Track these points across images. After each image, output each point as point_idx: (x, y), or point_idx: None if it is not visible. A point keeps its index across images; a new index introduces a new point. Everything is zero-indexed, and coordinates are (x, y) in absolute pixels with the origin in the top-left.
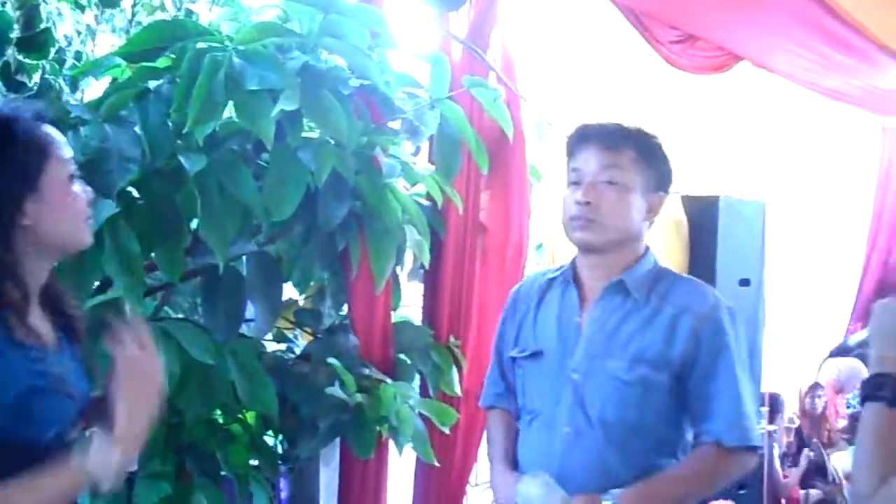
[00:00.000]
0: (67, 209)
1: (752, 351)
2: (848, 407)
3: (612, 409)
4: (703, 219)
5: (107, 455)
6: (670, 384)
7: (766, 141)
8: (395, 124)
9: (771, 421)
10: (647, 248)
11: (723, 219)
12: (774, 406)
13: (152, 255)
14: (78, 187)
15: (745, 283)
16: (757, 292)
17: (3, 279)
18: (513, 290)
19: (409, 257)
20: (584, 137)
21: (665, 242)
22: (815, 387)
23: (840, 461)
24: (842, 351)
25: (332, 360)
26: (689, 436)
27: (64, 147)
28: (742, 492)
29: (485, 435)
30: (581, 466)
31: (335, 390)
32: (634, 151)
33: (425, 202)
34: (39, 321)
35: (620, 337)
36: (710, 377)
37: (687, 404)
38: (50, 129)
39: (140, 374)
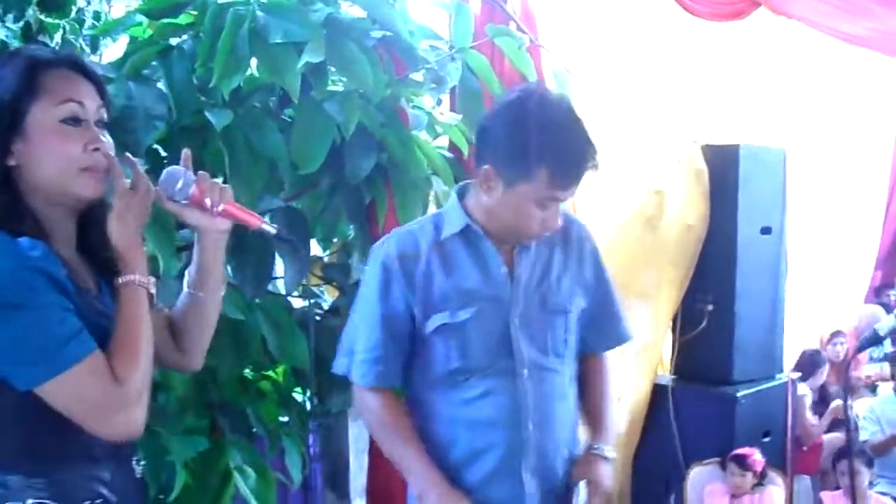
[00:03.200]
0: (51, 152)
1: (774, 299)
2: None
3: (558, 341)
4: (723, 167)
5: None
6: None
7: (785, 88)
8: (418, 75)
9: (810, 375)
10: None
11: (743, 167)
12: (814, 362)
13: None
14: (78, 133)
15: (766, 231)
16: (778, 240)
17: (20, 221)
18: (390, 255)
19: (432, 211)
20: (575, 176)
21: (686, 192)
22: (837, 334)
23: (862, 408)
24: (872, 341)
25: None
26: None
27: (68, 90)
28: (766, 440)
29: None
30: (545, 402)
31: None
32: None
33: (449, 154)
34: (79, 268)
35: (552, 275)
36: (607, 294)
37: (591, 322)
38: (61, 72)
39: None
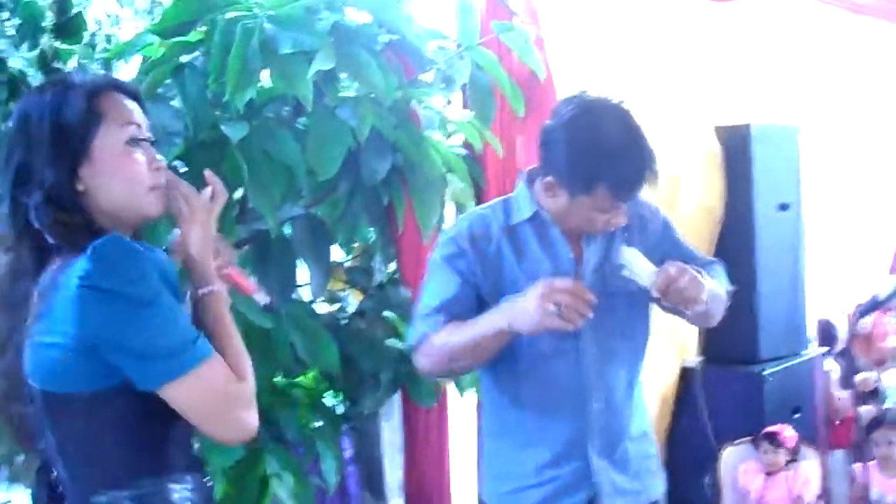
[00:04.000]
0: (120, 175)
1: (795, 276)
2: None
3: (625, 324)
4: (737, 148)
5: None
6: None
7: (796, 66)
8: (427, 76)
9: (827, 346)
10: None
11: (757, 146)
12: (828, 332)
13: None
14: (141, 154)
15: (783, 207)
16: (796, 216)
17: (91, 239)
18: (461, 234)
19: (451, 210)
20: (634, 182)
21: (701, 174)
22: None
23: (891, 379)
24: (872, 306)
25: (387, 314)
26: None
27: (126, 112)
28: (796, 416)
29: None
30: (612, 384)
31: (394, 342)
32: None
33: (463, 152)
34: None
35: (614, 259)
36: (680, 251)
37: None
38: (114, 95)
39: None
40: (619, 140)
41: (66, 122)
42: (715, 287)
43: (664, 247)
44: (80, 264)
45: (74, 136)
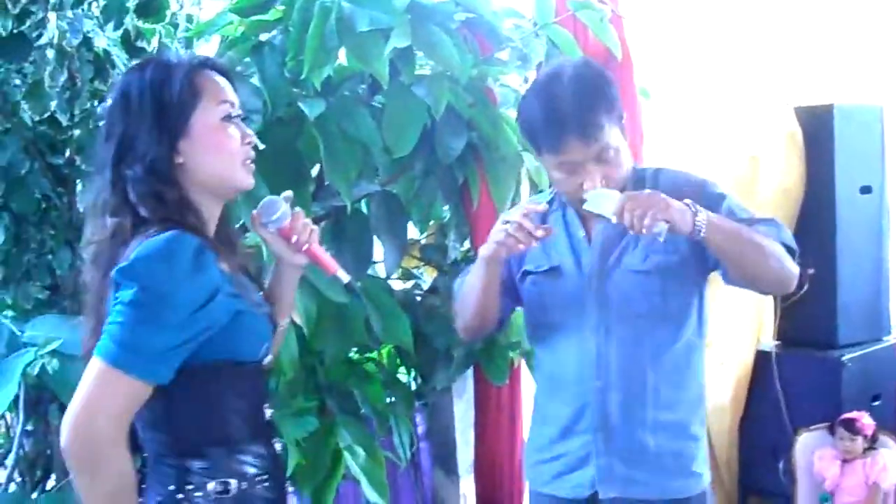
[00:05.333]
0: (217, 150)
1: (877, 260)
2: None
3: (637, 303)
4: (818, 128)
5: None
6: (685, 263)
7: (879, 43)
8: (503, 54)
9: None
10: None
11: (839, 127)
12: None
13: None
14: (234, 130)
15: (866, 190)
16: (879, 199)
17: (183, 212)
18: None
19: (526, 188)
20: (559, 132)
21: (781, 156)
22: None
23: None
24: None
25: None
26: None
27: (221, 91)
28: (876, 403)
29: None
30: (618, 362)
31: None
32: (607, 115)
33: None
34: (225, 254)
35: (629, 239)
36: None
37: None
38: (209, 74)
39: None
40: (549, 93)
41: (168, 99)
42: (742, 231)
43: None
44: (135, 252)
45: (175, 111)
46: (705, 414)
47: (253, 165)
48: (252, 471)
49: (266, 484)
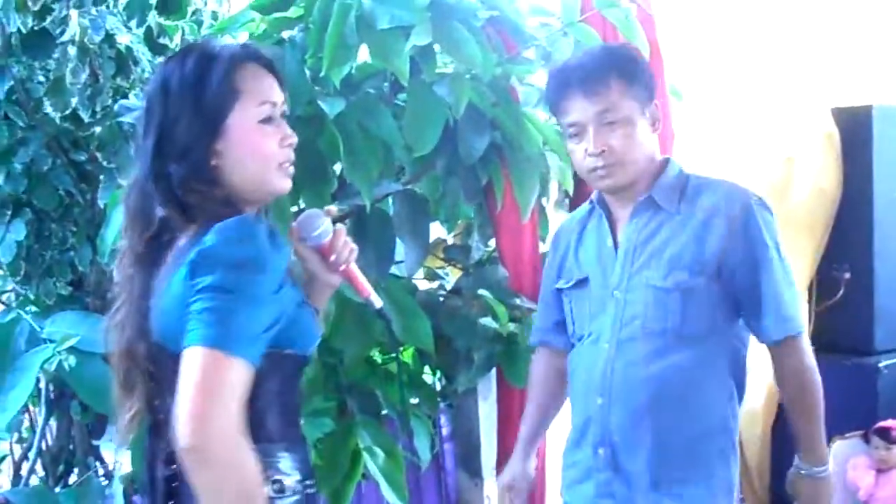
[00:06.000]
0: (252, 153)
1: None
2: None
3: (653, 320)
4: (856, 130)
5: None
6: (710, 288)
7: None
8: (529, 53)
9: None
10: (669, 159)
11: (878, 129)
12: None
13: (300, 201)
14: (274, 131)
15: None
16: None
17: (229, 211)
18: (556, 230)
19: (553, 187)
20: (566, 89)
21: (817, 156)
22: None
23: None
24: None
25: (483, 293)
26: (738, 343)
27: (262, 89)
28: None
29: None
30: (622, 381)
31: (488, 321)
32: (619, 80)
33: None
34: None
35: (654, 248)
36: (754, 279)
37: (741, 307)
38: (252, 69)
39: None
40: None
41: (205, 97)
42: (813, 417)
43: (733, 260)
44: (209, 236)
45: (212, 111)
46: (728, 445)
47: (291, 169)
48: (308, 468)
49: (311, 490)
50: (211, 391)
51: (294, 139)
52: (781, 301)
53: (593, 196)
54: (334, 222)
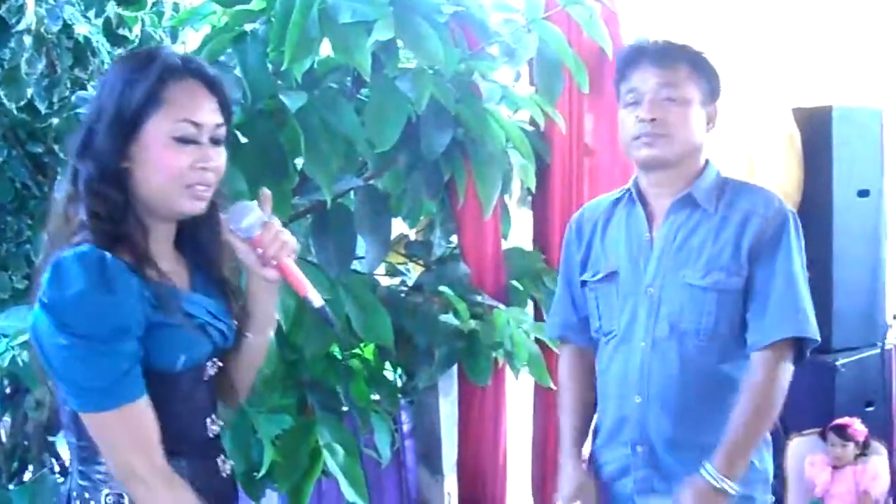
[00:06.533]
0: (157, 168)
1: (874, 264)
2: None
3: (688, 319)
4: (816, 130)
5: None
6: (741, 289)
7: (878, 46)
8: (492, 50)
9: None
10: (708, 161)
11: (837, 129)
12: None
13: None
14: (186, 153)
15: (863, 194)
16: (877, 203)
17: (122, 219)
18: (574, 217)
19: (516, 185)
20: (637, 58)
21: (778, 157)
22: None
23: None
24: None
25: (444, 289)
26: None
27: (188, 108)
28: (869, 409)
29: (559, 374)
30: (659, 379)
31: (449, 318)
32: (688, 66)
33: (529, 128)
34: (170, 264)
35: (692, 247)
36: (768, 276)
37: (747, 305)
38: (187, 85)
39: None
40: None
41: (129, 99)
42: (755, 437)
43: (755, 259)
44: (46, 275)
45: (130, 114)
46: (762, 441)
47: (206, 193)
48: None
49: None
50: (122, 446)
51: (213, 165)
52: (794, 302)
53: (629, 185)
54: (293, 219)
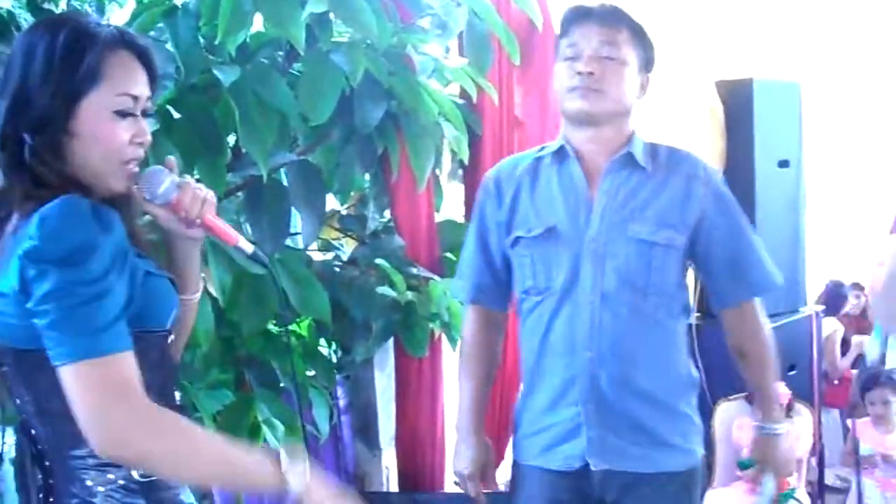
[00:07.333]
0: (95, 140)
1: (795, 233)
2: None
3: (636, 272)
4: (738, 103)
5: (300, 469)
6: (685, 246)
7: (797, 20)
8: (424, 23)
9: (835, 310)
10: (634, 130)
11: (758, 101)
12: (837, 293)
13: (195, 172)
14: (125, 127)
15: (784, 164)
16: (797, 173)
17: (61, 189)
18: (489, 175)
19: (446, 158)
20: (582, 16)
21: (701, 128)
22: (856, 286)
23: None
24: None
25: (379, 262)
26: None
27: (127, 81)
28: (791, 373)
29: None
30: (611, 334)
31: (385, 290)
32: (630, 31)
33: (460, 101)
34: None
35: (637, 204)
36: (734, 241)
37: (713, 270)
38: (123, 56)
39: None
40: None
41: (69, 73)
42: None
43: (712, 221)
44: (31, 227)
45: (71, 88)
46: (696, 394)
47: (136, 170)
48: None
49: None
50: (104, 400)
51: (148, 139)
52: (764, 261)
53: (558, 143)
54: (226, 195)
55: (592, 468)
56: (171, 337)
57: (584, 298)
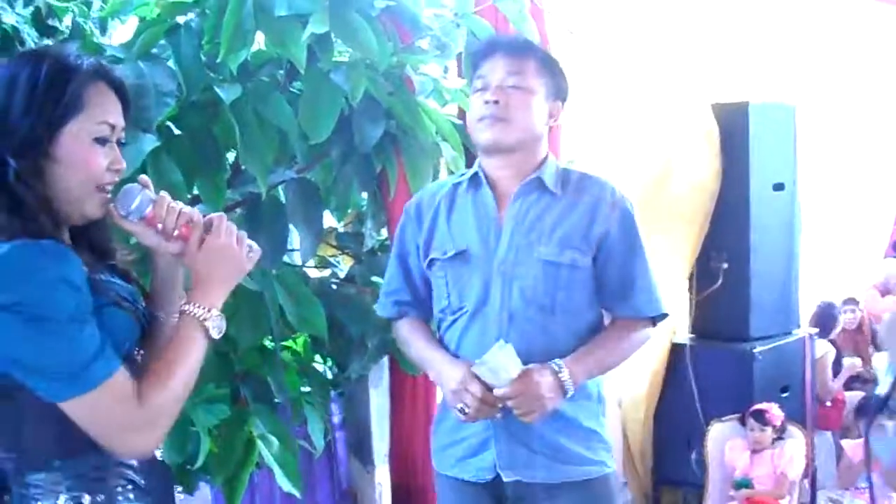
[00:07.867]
0: (75, 166)
1: (789, 255)
2: None
3: (542, 293)
4: (733, 125)
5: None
6: (590, 267)
7: (793, 44)
8: (423, 43)
9: (826, 331)
10: (549, 154)
11: (753, 124)
12: (828, 315)
13: (195, 188)
14: (104, 154)
15: (779, 187)
16: (791, 196)
17: (39, 212)
18: (412, 202)
19: (443, 178)
20: (490, 50)
21: (697, 151)
22: (850, 301)
23: (881, 362)
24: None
25: (376, 280)
26: (600, 323)
27: (105, 110)
28: (784, 395)
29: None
30: (518, 348)
31: None
32: (537, 62)
33: (458, 121)
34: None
35: (544, 226)
36: (629, 262)
37: (606, 285)
38: (102, 88)
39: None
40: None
41: (52, 102)
42: (604, 361)
43: (614, 243)
44: None
45: (54, 116)
46: (604, 409)
47: (108, 196)
48: (115, 482)
49: (131, 495)
50: (111, 430)
51: (123, 166)
52: (653, 289)
53: (473, 170)
54: (225, 212)
55: (504, 479)
56: (139, 361)
57: (493, 317)
